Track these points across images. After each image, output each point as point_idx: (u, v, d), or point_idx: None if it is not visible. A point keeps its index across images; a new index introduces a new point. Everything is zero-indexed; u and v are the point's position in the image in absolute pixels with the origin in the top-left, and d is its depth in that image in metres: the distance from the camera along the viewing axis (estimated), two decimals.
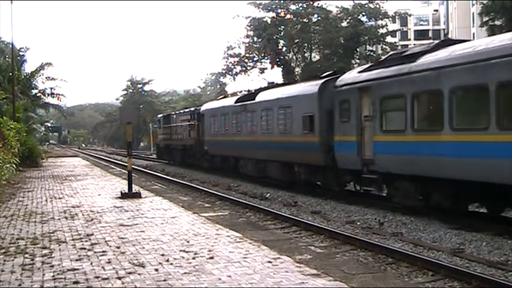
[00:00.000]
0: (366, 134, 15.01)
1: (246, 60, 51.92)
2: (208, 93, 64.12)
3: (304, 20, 49.57)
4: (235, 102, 25.50)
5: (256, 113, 22.63)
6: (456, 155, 11.62)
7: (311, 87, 18.57)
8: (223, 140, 26.87)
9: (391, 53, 16.05)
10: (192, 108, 35.29)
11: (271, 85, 25.62)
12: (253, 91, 25.88)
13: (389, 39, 49.43)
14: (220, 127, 27.45)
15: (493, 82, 10.68)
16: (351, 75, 16.37)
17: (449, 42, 13.46)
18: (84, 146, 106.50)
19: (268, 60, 51.84)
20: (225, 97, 31.10)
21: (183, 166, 33.42)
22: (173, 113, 40.73)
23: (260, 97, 22.83)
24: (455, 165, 11.63)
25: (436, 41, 14.42)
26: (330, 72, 19.83)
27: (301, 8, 49.93)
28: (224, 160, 27.35)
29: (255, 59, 51.85)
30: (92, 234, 9.26)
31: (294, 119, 19.14)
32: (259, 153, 22.26)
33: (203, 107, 31.41)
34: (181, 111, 38.61)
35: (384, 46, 48.65)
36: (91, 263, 7.18)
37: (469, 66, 11.38)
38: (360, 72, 15.95)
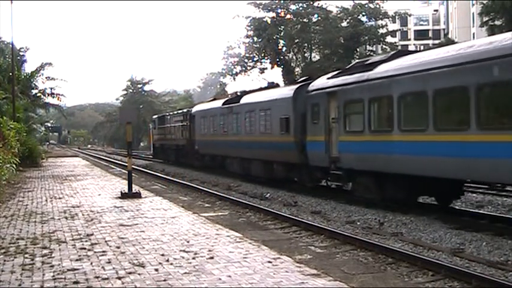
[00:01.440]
0: (332, 135, 16.50)
1: (246, 60, 51.94)
2: (208, 93, 64.10)
3: (304, 20, 49.60)
4: (223, 104, 27.00)
5: (241, 114, 24.21)
6: (404, 153, 13.22)
7: (287, 91, 20.28)
8: (211, 139, 28.51)
9: (357, 61, 17.83)
10: (185, 110, 36.48)
11: (255, 89, 26.94)
12: (239, 94, 27.27)
13: (389, 39, 49.49)
14: (209, 128, 29.03)
15: (431, 89, 12.23)
16: (321, 81, 17.84)
17: (403, 53, 15.20)
18: (87, 146, 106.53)
19: (268, 60, 51.88)
20: (214, 99, 32.61)
21: (183, 166, 33.43)
22: (167, 114, 42.05)
23: (244, 100, 24.40)
24: (404, 162, 13.18)
25: (393, 52, 16.22)
26: (305, 77, 21.35)
27: (301, 8, 49.96)
28: (213, 159, 28.74)
29: (255, 59, 51.88)
30: (92, 234, 9.26)
31: (272, 120, 20.70)
32: (244, 152, 23.86)
33: (194, 109, 33.10)
34: (175, 112, 40.13)
35: (383, 46, 48.70)
36: (91, 263, 7.18)
37: (412, 76, 12.96)
38: (328, 78, 17.41)
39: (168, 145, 38.56)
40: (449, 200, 14.30)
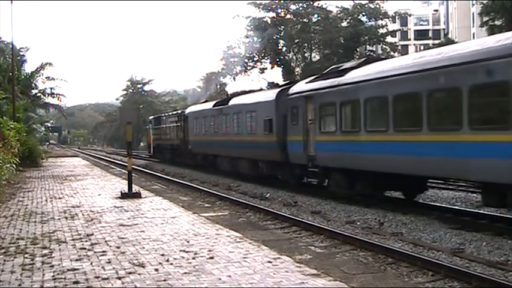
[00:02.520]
0: (310, 135, 17.81)
1: (246, 60, 51.94)
2: (208, 93, 63.95)
3: (304, 20, 49.58)
4: (213, 106, 28.43)
5: (230, 116, 25.67)
6: (369, 152, 14.59)
7: (270, 95, 21.59)
8: (203, 139, 30.02)
9: (333, 66, 19.05)
10: (179, 111, 37.64)
11: (243, 91, 28.17)
12: (229, 96, 29.02)
13: (389, 39, 49.49)
14: (201, 128, 30.52)
15: (391, 95, 13.60)
16: (300, 86, 19.29)
17: (373, 60, 16.51)
18: (87, 145, 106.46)
19: (268, 60, 51.86)
20: (206, 101, 33.93)
21: (183, 166, 33.49)
22: (163, 115, 43.27)
23: (233, 102, 25.81)
24: (369, 160, 14.55)
25: (363, 59, 17.56)
26: (287, 81, 22.93)
27: (301, 8, 49.96)
28: (205, 158, 30.13)
29: (255, 59, 51.87)
30: (92, 234, 9.26)
31: (258, 121, 22.09)
32: (232, 151, 25.19)
33: (187, 110, 34.54)
34: (170, 113, 41.55)
35: (384, 46, 48.71)
36: (91, 263, 7.18)
37: (375, 82, 14.33)
38: (306, 83, 18.84)
39: (164, 145, 39.85)
40: (414, 194, 15.55)
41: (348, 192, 15.99)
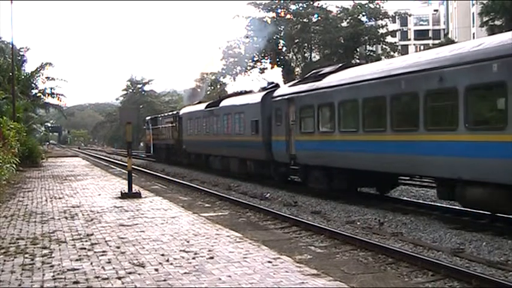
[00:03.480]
0: (292, 135, 19.04)
1: (246, 60, 51.90)
2: (208, 93, 63.95)
3: (304, 20, 49.55)
4: (205, 107, 29.86)
5: (220, 117, 27.06)
6: (343, 150, 15.90)
7: (256, 97, 22.92)
8: (196, 139, 31.50)
9: (314, 71, 19.94)
10: (174, 112, 39.32)
11: (233, 93, 30.10)
12: (220, 98, 30.71)
13: (389, 39, 49.44)
14: (194, 128, 32.01)
15: (360, 98, 14.95)
16: (283, 89, 20.93)
17: (348, 65, 17.87)
18: (86, 145, 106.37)
19: (268, 60, 51.82)
20: (199, 102, 35.37)
21: (183, 166, 33.56)
22: (159, 116, 44.70)
23: (223, 104, 27.25)
24: (343, 158, 15.84)
25: (340, 64, 18.46)
26: (273, 85, 24.05)
27: (301, 8, 49.91)
28: (198, 157, 31.56)
29: (255, 59, 51.84)
30: (92, 234, 9.26)
31: (245, 122, 23.47)
32: (223, 150, 26.47)
33: (181, 111, 36.11)
34: (165, 114, 43.16)
35: (384, 46, 48.66)
36: (91, 263, 7.18)
37: (348, 87, 15.71)
38: (289, 86, 20.48)
39: (159, 144, 41.20)
40: (386, 190, 16.97)
41: (325, 187, 17.24)
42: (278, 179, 21.14)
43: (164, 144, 39.49)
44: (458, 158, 11.47)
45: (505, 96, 10.30)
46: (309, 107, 17.75)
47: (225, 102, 27.17)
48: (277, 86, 23.14)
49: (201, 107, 31.18)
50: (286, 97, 19.52)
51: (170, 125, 37.84)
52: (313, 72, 19.73)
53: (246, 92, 27.52)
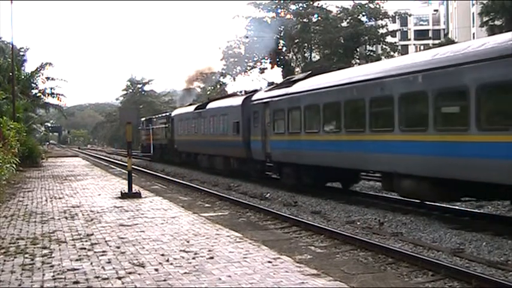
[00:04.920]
0: (267, 136, 21.01)
1: (246, 60, 51.88)
2: (208, 93, 63.97)
3: (304, 20, 49.53)
4: (194, 109, 32.09)
5: (207, 118, 29.29)
6: (308, 149, 17.79)
7: (238, 101, 24.78)
8: (186, 139, 33.71)
9: (288, 77, 21.92)
10: (167, 113, 41.79)
11: (219, 96, 33.25)
12: (209, 100, 33.47)
13: (389, 39, 49.42)
14: (185, 129, 34.15)
15: (321, 103, 16.98)
16: (260, 94, 22.80)
17: (317, 72, 19.44)
18: (86, 145, 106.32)
19: (268, 60, 51.80)
20: (190, 105, 37.32)
21: (183, 166, 33.64)
22: (153, 117, 46.89)
23: (209, 106, 29.64)
24: (308, 156, 17.77)
25: (309, 72, 20.49)
26: (253, 89, 26.40)
27: (301, 8, 49.90)
28: (188, 155, 33.63)
29: (255, 59, 51.82)
30: (92, 234, 9.26)
31: (228, 124, 25.42)
32: (210, 149, 28.54)
33: (173, 113, 38.67)
34: (159, 115, 45.63)
35: (384, 46, 48.64)
36: (91, 263, 7.18)
37: (310, 93, 17.80)
38: (265, 91, 22.55)
39: (155, 144, 43.11)
40: (349, 185, 18.84)
41: (295, 182, 19.10)
42: (256, 175, 23.00)
43: (158, 144, 41.58)
44: (395, 155, 13.51)
45: (426, 104, 12.34)
46: (281, 110, 19.77)
47: (211, 105, 29.47)
48: (255, 91, 25.10)
49: (191, 108, 33.34)
50: (262, 101, 21.58)
51: (163, 125, 40.03)
52: (286, 79, 21.74)
53: (230, 96, 29.83)
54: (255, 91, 24.79)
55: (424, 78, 12.50)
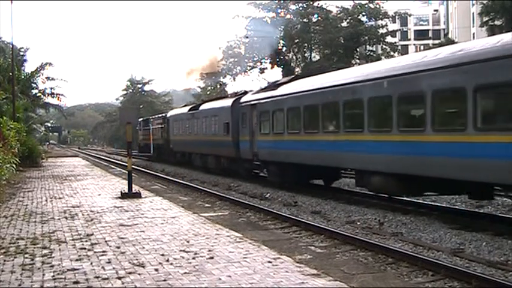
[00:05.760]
0: (254, 136, 22.10)
1: (246, 60, 51.86)
2: (208, 93, 63.97)
3: (304, 20, 49.51)
4: (188, 110, 33.42)
5: (200, 119, 30.50)
6: (290, 148, 19.00)
7: (228, 102, 25.95)
8: (181, 139, 35.08)
9: (274, 81, 23.28)
10: (163, 114, 43.23)
11: (210, 98, 35.15)
12: (202, 101, 35.13)
13: (389, 39, 49.40)
14: (179, 129, 35.53)
15: (302, 106, 18.15)
16: (248, 96, 23.85)
17: (300, 76, 21.11)
18: (86, 145, 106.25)
19: (268, 60, 51.77)
20: (185, 105, 39.02)
21: (184, 166, 33.66)
22: (150, 117, 48.32)
23: (202, 107, 31.00)
24: (291, 155, 18.94)
25: (293, 76, 22.26)
26: (243, 91, 27.12)
27: (301, 8, 49.88)
28: (183, 155, 34.92)
29: (255, 59, 51.80)
30: (92, 234, 9.26)
31: (219, 124, 26.66)
32: (202, 149, 29.83)
33: (169, 113, 40.33)
34: (155, 116, 47.11)
35: (383, 46, 48.62)
36: (91, 263, 7.18)
37: (292, 96, 19.04)
38: (253, 93, 23.76)
39: (151, 144, 44.41)
40: (331, 182, 19.89)
41: (280, 180, 20.25)
42: (244, 173, 24.19)
43: (156, 144, 42.91)
44: (365, 154, 14.58)
45: (391, 107, 13.42)
46: (267, 112, 20.93)
47: (204, 106, 30.76)
48: (245, 92, 26.00)
49: (185, 110, 34.76)
50: (250, 103, 22.64)
51: (160, 126, 41.38)
52: (272, 82, 23.12)
53: (221, 98, 31.28)
54: (245, 93, 25.73)
55: (388, 84, 13.64)
